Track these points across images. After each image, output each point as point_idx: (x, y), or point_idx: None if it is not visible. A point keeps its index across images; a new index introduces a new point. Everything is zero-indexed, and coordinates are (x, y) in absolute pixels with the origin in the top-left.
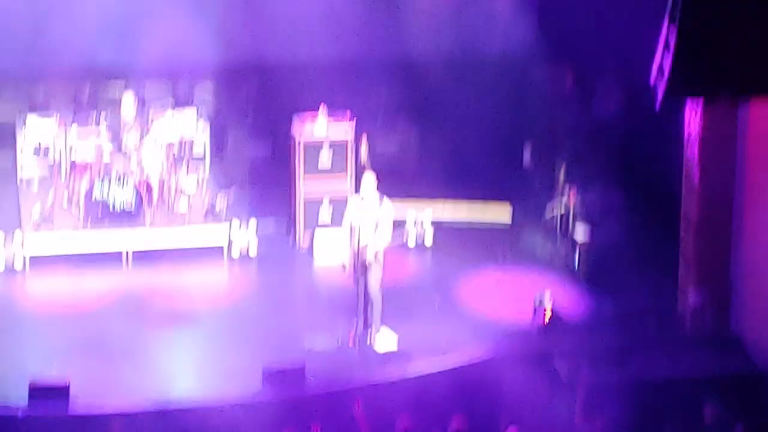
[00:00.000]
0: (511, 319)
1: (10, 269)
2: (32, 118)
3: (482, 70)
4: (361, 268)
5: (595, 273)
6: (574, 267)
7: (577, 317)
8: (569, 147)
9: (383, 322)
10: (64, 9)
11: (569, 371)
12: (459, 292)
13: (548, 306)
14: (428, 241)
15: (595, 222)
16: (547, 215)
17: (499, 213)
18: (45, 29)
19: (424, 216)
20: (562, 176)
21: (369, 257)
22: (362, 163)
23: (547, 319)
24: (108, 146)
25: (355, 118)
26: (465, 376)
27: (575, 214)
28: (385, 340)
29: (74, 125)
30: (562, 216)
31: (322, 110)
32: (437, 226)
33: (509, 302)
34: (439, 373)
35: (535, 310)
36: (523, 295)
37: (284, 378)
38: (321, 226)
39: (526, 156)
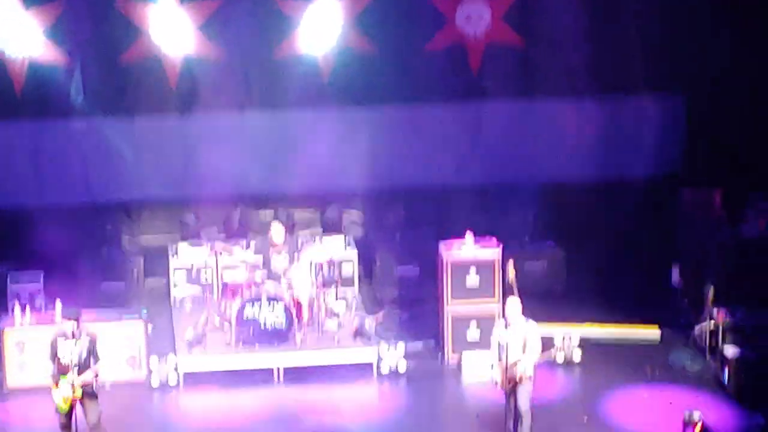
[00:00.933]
0: None
1: (164, 385)
2: (183, 246)
3: (629, 192)
4: (510, 384)
5: (746, 389)
6: (724, 383)
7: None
8: (718, 265)
9: None
10: (215, 137)
11: None
12: (608, 409)
13: (699, 422)
14: (576, 358)
15: (746, 338)
16: (696, 332)
17: (647, 333)
18: (196, 158)
19: (572, 334)
20: (711, 294)
21: (519, 373)
22: (509, 284)
23: None
24: (258, 268)
25: (501, 243)
26: None
27: (725, 330)
28: None
29: (224, 253)
30: (711, 333)
31: (469, 235)
32: (585, 342)
33: (659, 419)
34: None
35: (684, 426)
36: (673, 412)
37: None
38: (469, 344)
39: (675, 275)
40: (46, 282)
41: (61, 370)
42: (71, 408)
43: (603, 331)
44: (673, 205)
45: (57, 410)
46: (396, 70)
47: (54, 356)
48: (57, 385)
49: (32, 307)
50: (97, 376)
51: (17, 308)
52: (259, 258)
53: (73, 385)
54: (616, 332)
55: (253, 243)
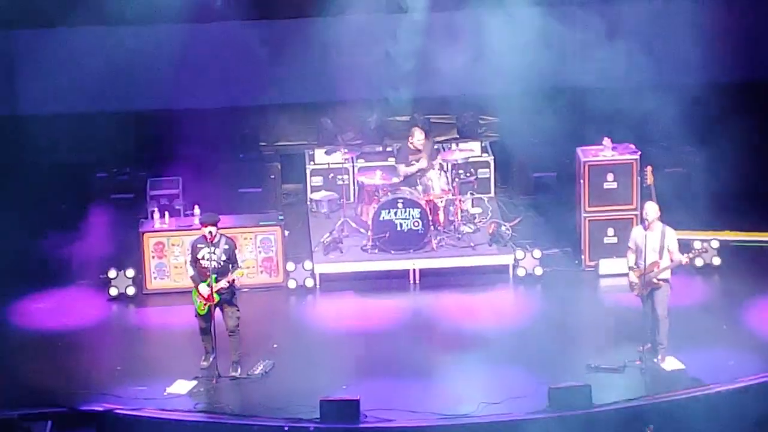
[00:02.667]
0: None
1: (300, 289)
2: (320, 152)
3: None
4: (647, 289)
5: None
6: None
7: None
8: None
9: (670, 344)
10: (353, 41)
11: None
12: (748, 314)
13: None
14: (716, 261)
15: None
16: None
17: None
18: (334, 62)
19: (712, 239)
20: None
21: (656, 277)
22: (647, 189)
23: None
24: (396, 171)
25: (639, 148)
26: (756, 395)
27: None
28: (672, 361)
29: (360, 158)
30: None
31: (607, 140)
32: (725, 244)
33: None
34: (728, 391)
35: None
36: None
37: (570, 396)
38: (606, 249)
39: None
40: (185, 187)
41: (201, 274)
42: (210, 312)
43: (743, 237)
44: None
45: (196, 313)
46: None
47: (194, 260)
48: (197, 288)
49: (171, 212)
50: (234, 281)
51: (156, 213)
52: (395, 161)
53: (211, 289)
54: (756, 238)
55: (393, 147)
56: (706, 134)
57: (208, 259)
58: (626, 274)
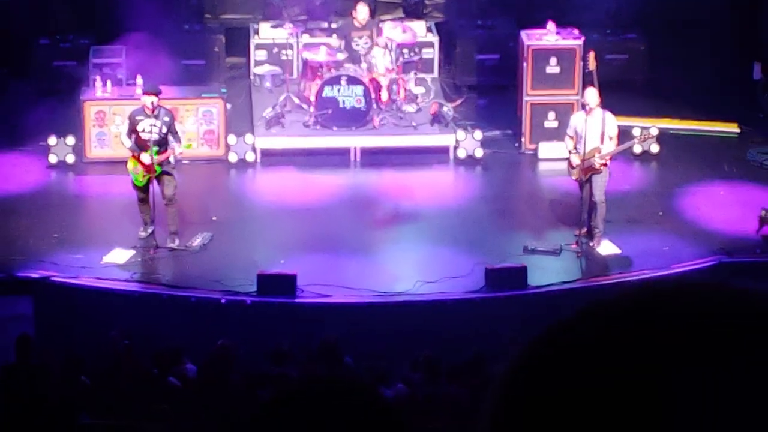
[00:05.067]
0: (736, 229)
1: (241, 162)
2: (265, 26)
3: None
4: (586, 174)
5: None
6: None
7: None
8: None
9: (606, 229)
10: None
11: None
12: (683, 204)
13: None
14: (654, 150)
15: None
16: None
17: (726, 128)
18: None
19: (651, 127)
20: None
21: (595, 163)
22: (589, 74)
23: None
24: (339, 48)
25: (583, 33)
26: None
27: None
28: (607, 246)
29: (305, 34)
30: None
31: (551, 24)
32: (663, 132)
33: (735, 215)
34: (662, 276)
35: (761, 223)
36: (750, 207)
37: (506, 277)
38: (547, 133)
39: (756, 71)
40: (128, 56)
41: (140, 145)
42: (149, 182)
43: (682, 126)
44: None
45: (134, 184)
46: None
47: (132, 131)
48: (135, 159)
49: (114, 81)
50: (174, 152)
51: (99, 81)
52: (340, 38)
53: (151, 160)
54: (695, 127)
55: (338, 24)
56: (649, 22)
57: (148, 131)
58: (565, 159)
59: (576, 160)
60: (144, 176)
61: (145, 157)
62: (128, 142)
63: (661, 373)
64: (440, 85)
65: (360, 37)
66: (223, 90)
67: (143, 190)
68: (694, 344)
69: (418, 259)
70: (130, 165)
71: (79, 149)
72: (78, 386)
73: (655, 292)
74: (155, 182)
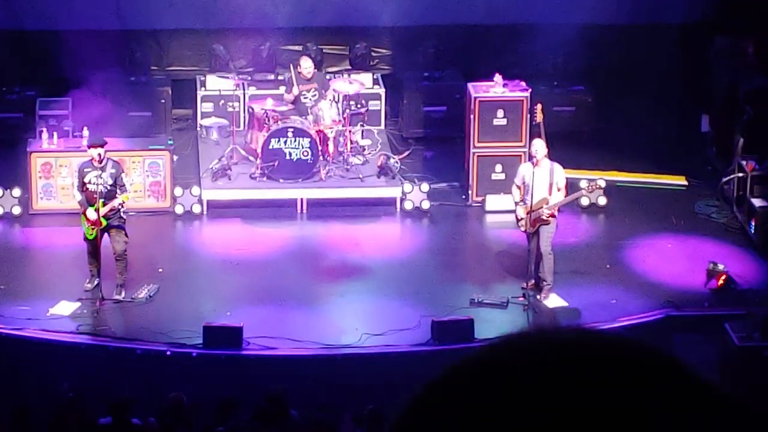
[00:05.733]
0: (683, 283)
1: (188, 215)
2: (211, 78)
3: (662, 37)
4: (533, 226)
5: None
6: (750, 234)
7: (751, 284)
8: (749, 115)
9: (554, 281)
10: None
11: (741, 337)
12: (631, 255)
13: (723, 273)
14: (601, 203)
15: None
16: (724, 182)
17: (674, 181)
18: None
19: (598, 179)
20: (740, 144)
21: (543, 214)
22: (536, 126)
23: (720, 284)
24: (286, 100)
25: (530, 85)
26: (636, 334)
27: (753, 181)
28: (554, 299)
29: (252, 86)
30: (739, 183)
31: (498, 76)
32: (611, 185)
33: (683, 268)
34: (609, 330)
35: (708, 277)
36: (698, 260)
37: (453, 330)
38: (494, 185)
39: (705, 124)
40: (74, 108)
41: (89, 199)
42: (98, 236)
43: (630, 178)
44: (706, 52)
45: (85, 238)
46: None
47: (81, 184)
48: (85, 213)
49: (60, 133)
50: (122, 204)
51: (45, 133)
52: (286, 90)
53: (98, 213)
54: (642, 179)
55: (284, 76)
56: (596, 75)
57: (95, 183)
58: (512, 211)
59: (522, 213)
60: (93, 229)
61: (91, 213)
62: (79, 196)
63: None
64: (387, 137)
65: (307, 90)
66: (170, 142)
67: (93, 243)
68: (553, 395)
69: (364, 311)
70: (82, 219)
71: (25, 201)
72: None
73: (512, 346)
74: (106, 236)
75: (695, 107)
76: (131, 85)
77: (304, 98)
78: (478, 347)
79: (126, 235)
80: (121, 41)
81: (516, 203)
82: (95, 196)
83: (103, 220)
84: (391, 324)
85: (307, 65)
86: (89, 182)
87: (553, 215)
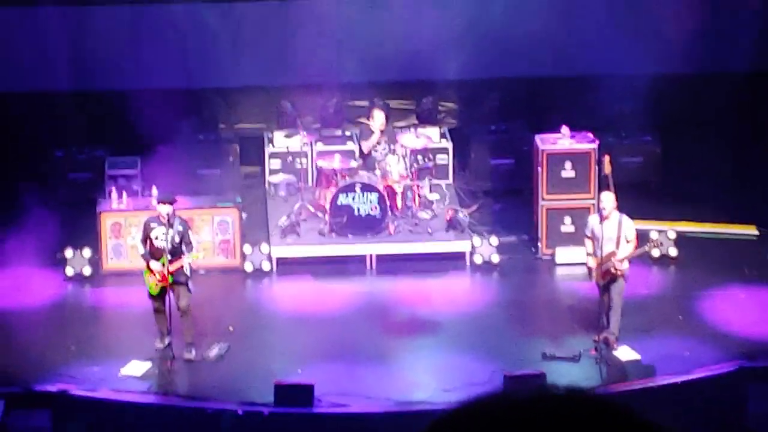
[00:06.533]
0: (757, 333)
1: (257, 272)
2: (279, 135)
3: (730, 86)
4: (604, 279)
5: None
6: None
7: None
8: None
9: (625, 334)
10: (313, 24)
11: None
12: (703, 306)
13: None
14: (672, 254)
15: None
16: None
17: (745, 231)
18: (294, 45)
19: (668, 230)
20: None
21: (613, 267)
22: (605, 178)
23: None
24: (354, 155)
25: (597, 136)
26: (710, 388)
27: None
28: (627, 352)
29: (319, 142)
30: None
31: (565, 128)
32: (681, 238)
33: (755, 316)
34: (683, 383)
35: None
36: None
37: (525, 383)
38: (563, 238)
39: None
40: (143, 167)
41: (154, 254)
42: (163, 292)
43: (699, 229)
44: None
45: (149, 294)
46: None
47: (146, 239)
48: (149, 268)
49: (129, 193)
50: (189, 262)
51: (114, 193)
52: (355, 147)
53: (164, 269)
54: (712, 229)
55: (351, 131)
56: (665, 125)
57: (162, 240)
58: (582, 263)
59: (592, 263)
60: (157, 285)
61: (155, 265)
62: (142, 249)
63: None
64: (455, 191)
65: (377, 143)
66: (238, 199)
67: (158, 300)
68: None
69: (435, 366)
70: (145, 274)
71: (95, 261)
72: None
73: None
74: (170, 293)
75: (765, 156)
76: (200, 143)
77: (375, 152)
78: (452, 407)
79: (189, 290)
80: (189, 99)
81: (588, 254)
82: (161, 252)
83: (169, 276)
84: (463, 379)
85: (379, 118)
86: (156, 238)
87: (623, 269)
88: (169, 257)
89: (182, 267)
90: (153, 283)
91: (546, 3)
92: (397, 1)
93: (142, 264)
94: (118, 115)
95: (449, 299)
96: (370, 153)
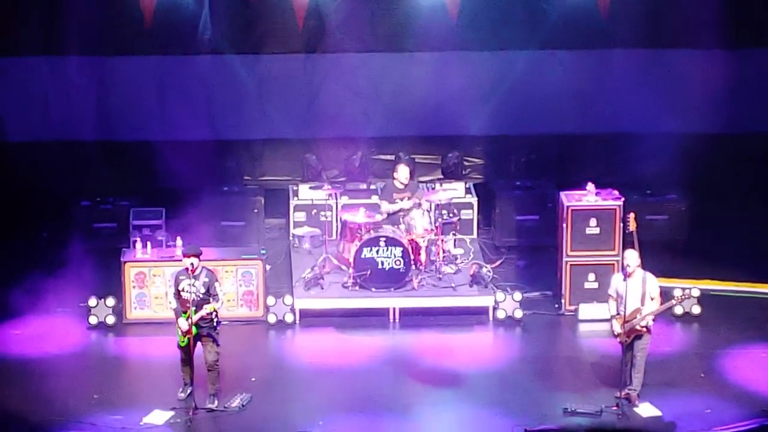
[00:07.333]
0: None
1: (280, 324)
2: (304, 188)
3: (755, 146)
4: (631, 336)
5: None
6: None
7: None
8: None
9: (647, 391)
10: (339, 78)
11: None
12: (726, 363)
13: None
14: (695, 312)
15: None
16: None
17: None
18: (319, 98)
19: (692, 288)
20: None
21: (637, 325)
22: (629, 235)
23: None
24: (379, 209)
25: (623, 194)
26: None
27: None
28: (648, 408)
29: (344, 195)
30: None
31: (590, 185)
32: (705, 293)
33: None
34: None
35: None
36: None
37: None
38: (587, 294)
39: None
40: (168, 218)
41: (182, 306)
42: (190, 344)
43: (723, 287)
44: None
45: (178, 345)
46: (524, 14)
47: (177, 292)
48: (178, 320)
49: (153, 243)
50: (214, 313)
51: (139, 243)
52: (378, 199)
53: (190, 320)
54: (736, 288)
55: (377, 185)
56: (689, 183)
57: (188, 291)
58: (606, 320)
59: (617, 327)
60: (185, 338)
61: (182, 323)
62: (174, 303)
63: None
64: (479, 246)
65: (401, 199)
66: (263, 251)
67: (185, 351)
68: None
69: (457, 420)
70: (177, 326)
71: (119, 310)
72: None
73: None
74: (199, 345)
75: None
76: (224, 195)
77: (397, 206)
78: None
79: (218, 344)
80: (215, 151)
81: (612, 316)
82: (188, 304)
83: (194, 328)
84: None
85: (404, 173)
86: (183, 290)
87: (648, 326)
88: (194, 309)
89: (207, 318)
90: (182, 336)
91: (573, 59)
92: (424, 56)
93: (165, 314)
94: (144, 165)
95: (471, 354)
96: (389, 215)
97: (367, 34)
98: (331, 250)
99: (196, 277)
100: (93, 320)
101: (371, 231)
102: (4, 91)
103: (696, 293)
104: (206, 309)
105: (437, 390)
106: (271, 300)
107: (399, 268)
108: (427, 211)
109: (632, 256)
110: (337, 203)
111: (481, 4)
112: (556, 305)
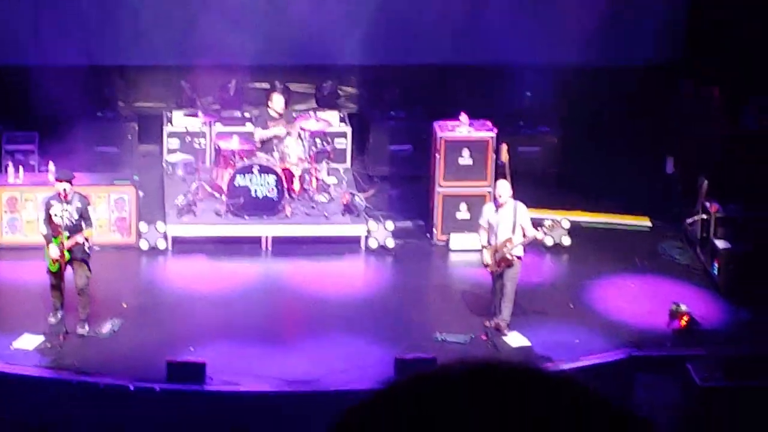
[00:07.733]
0: (646, 323)
1: (153, 250)
2: (178, 115)
3: (627, 80)
4: (501, 266)
5: (735, 282)
6: (713, 276)
7: (713, 325)
8: (713, 158)
9: (517, 321)
10: (216, 6)
11: (703, 377)
12: (594, 297)
13: (685, 314)
14: (565, 243)
15: (737, 231)
16: (688, 224)
17: (638, 222)
18: (195, 26)
19: (563, 219)
20: (704, 186)
21: (509, 253)
22: (501, 166)
23: (683, 325)
24: (252, 137)
25: (496, 125)
26: (598, 375)
27: (716, 223)
28: (517, 338)
29: (218, 123)
30: (702, 225)
31: (464, 116)
32: (575, 225)
33: (645, 309)
34: (572, 369)
35: (671, 318)
36: (660, 301)
37: (417, 367)
38: (459, 225)
39: (669, 166)
40: (41, 143)
41: (54, 231)
42: (61, 269)
43: (594, 219)
44: (672, 96)
45: (48, 270)
46: None
47: (48, 218)
48: (48, 245)
49: (26, 168)
50: (87, 239)
51: (11, 168)
52: (253, 127)
53: (62, 246)
54: (607, 220)
55: (251, 113)
56: (562, 115)
57: (60, 216)
58: (477, 250)
59: (488, 257)
60: (55, 262)
61: (53, 250)
62: (44, 229)
63: None
64: (352, 175)
65: (273, 126)
66: (136, 177)
67: (55, 276)
68: None
69: (327, 348)
70: (45, 251)
71: None
72: None
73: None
74: (69, 269)
75: (660, 149)
76: (98, 121)
77: (271, 133)
78: (394, 380)
79: (89, 269)
80: (89, 76)
81: (482, 246)
82: (60, 229)
83: (66, 253)
84: (355, 361)
85: (279, 103)
86: (55, 215)
87: (518, 256)
88: (67, 234)
89: (78, 243)
90: (51, 261)
91: None
92: None
93: (37, 239)
94: (17, 90)
95: (343, 283)
96: (262, 143)
97: None
98: (205, 178)
99: (69, 202)
100: None
101: (245, 158)
102: None
103: (566, 224)
104: (81, 235)
105: (309, 318)
106: (143, 226)
107: (272, 196)
108: (301, 139)
109: (504, 187)
110: (211, 130)
111: None
112: (428, 235)
